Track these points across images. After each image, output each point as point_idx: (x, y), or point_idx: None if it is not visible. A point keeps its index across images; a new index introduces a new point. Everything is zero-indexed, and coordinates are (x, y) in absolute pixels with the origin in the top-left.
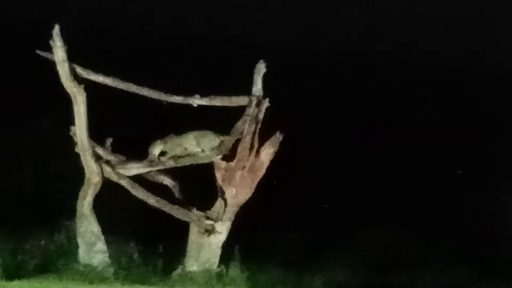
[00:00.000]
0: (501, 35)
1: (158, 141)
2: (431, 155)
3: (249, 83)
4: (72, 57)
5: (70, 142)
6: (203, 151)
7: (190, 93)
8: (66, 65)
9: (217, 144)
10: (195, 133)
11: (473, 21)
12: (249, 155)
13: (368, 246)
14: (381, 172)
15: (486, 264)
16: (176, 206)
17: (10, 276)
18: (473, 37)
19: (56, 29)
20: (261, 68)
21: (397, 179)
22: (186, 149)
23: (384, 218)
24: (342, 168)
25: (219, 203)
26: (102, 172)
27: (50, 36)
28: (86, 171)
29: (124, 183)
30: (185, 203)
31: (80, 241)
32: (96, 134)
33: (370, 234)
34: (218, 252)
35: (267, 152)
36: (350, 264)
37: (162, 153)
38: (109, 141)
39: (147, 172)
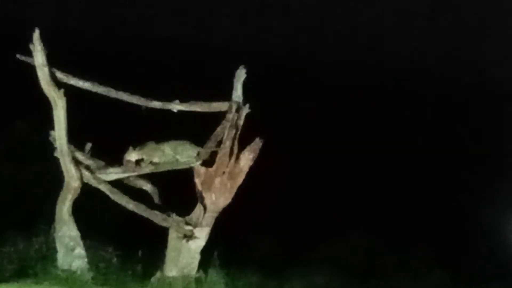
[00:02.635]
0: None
1: (135, 148)
2: (409, 163)
3: (229, 89)
4: (52, 62)
5: (50, 147)
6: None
7: (170, 99)
8: (46, 69)
9: (194, 154)
10: (174, 142)
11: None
12: (229, 161)
13: (347, 252)
14: (360, 178)
15: (463, 271)
16: (155, 211)
17: None
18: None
19: (36, 33)
20: (241, 74)
21: (377, 186)
22: (163, 156)
23: (362, 225)
24: (321, 174)
25: (198, 208)
26: (82, 177)
27: (30, 40)
28: (65, 175)
29: (103, 188)
30: (164, 209)
31: (58, 246)
32: (75, 139)
33: (348, 240)
34: (197, 257)
35: (247, 158)
36: (329, 270)
37: (140, 160)
38: (88, 146)
39: (126, 177)
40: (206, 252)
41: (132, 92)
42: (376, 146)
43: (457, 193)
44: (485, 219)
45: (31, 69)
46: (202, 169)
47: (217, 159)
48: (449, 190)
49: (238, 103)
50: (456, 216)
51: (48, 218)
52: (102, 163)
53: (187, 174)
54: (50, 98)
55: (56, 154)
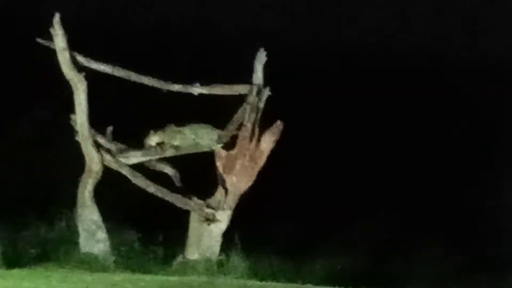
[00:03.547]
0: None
1: (156, 131)
2: (428, 144)
3: (250, 71)
4: (73, 46)
5: (71, 131)
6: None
7: (190, 82)
8: (67, 53)
9: (215, 137)
10: (194, 125)
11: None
12: (250, 143)
13: (367, 234)
14: (379, 161)
15: (482, 253)
16: (176, 195)
17: (10, 264)
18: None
19: (57, 17)
20: (261, 57)
21: (395, 168)
22: (184, 139)
23: (382, 207)
24: (341, 156)
25: (219, 191)
26: (103, 160)
27: (51, 24)
28: (87, 159)
29: (125, 171)
30: (186, 192)
31: (80, 229)
32: (96, 122)
33: (368, 222)
34: (219, 240)
35: (268, 141)
36: (349, 252)
37: (161, 143)
38: (109, 129)
39: (147, 161)
40: (227, 235)
41: (153, 75)
42: (396, 128)
43: (480, 175)
44: (509, 203)
45: (52, 53)
46: (223, 152)
47: (238, 142)
48: (470, 171)
49: (258, 85)
50: (477, 198)
51: (70, 202)
52: (123, 146)
53: (208, 157)
54: (71, 82)
55: (77, 138)
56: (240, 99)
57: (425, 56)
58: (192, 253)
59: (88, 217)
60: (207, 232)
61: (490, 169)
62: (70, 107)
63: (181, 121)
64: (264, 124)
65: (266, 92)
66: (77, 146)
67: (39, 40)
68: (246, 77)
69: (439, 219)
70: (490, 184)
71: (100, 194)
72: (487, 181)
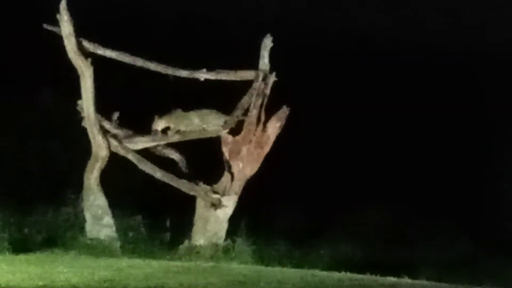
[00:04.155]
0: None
1: (163, 116)
2: (434, 131)
3: (256, 57)
4: (79, 31)
5: (77, 116)
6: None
7: (197, 67)
8: (73, 39)
9: (221, 123)
10: (201, 110)
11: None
12: (256, 129)
13: (373, 221)
14: (386, 147)
15: (488, 240)
16: (182, 180)
17: (17, 249)
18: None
19: (63, 3)
20: (267, 43)
21: (402, 155)
22: (190, 125)
23: (388, 194)
24: (348, 142)
25: (225, 177)
26: (109, 146)
27: (57, 10)
28: (93, 145)
29: (131, 157)
30: (192, 177)
31: (87, 215)
32: (103, 108)
33: (374, 209)
34: (225, 226)
35: (274, 126)
36: (355, 239)
37: (167, 128)
38: (116, 115)
39: (153, 146)
40: (233, 221)
41: (159, 61)
42: (403, 114)
43: (485, 162)
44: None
45: (59, 39)
46: (229, 138)
47: (244, 128)
48: (474, 158)
49: (264, 71)
50: (482, 183)
51: (76, 188)
52: (129, 132)
53: (214, 142)
54: (77, 68)
55: (83, 124)
56: (246, 85)
57: (433, 45)
58: (198, 239)
59: (95, 202)
60: (213, 217)
61: (498, 156)
62: (76, 93)
63: (187, 106)
64: (270, 109)
65: (272, 78)
66: (84, 132)
67: (45, 26)
68: (252, 63)
69: (445, 205)
70: (498, 171)
71: (107, 180)
72: (495, 168)
